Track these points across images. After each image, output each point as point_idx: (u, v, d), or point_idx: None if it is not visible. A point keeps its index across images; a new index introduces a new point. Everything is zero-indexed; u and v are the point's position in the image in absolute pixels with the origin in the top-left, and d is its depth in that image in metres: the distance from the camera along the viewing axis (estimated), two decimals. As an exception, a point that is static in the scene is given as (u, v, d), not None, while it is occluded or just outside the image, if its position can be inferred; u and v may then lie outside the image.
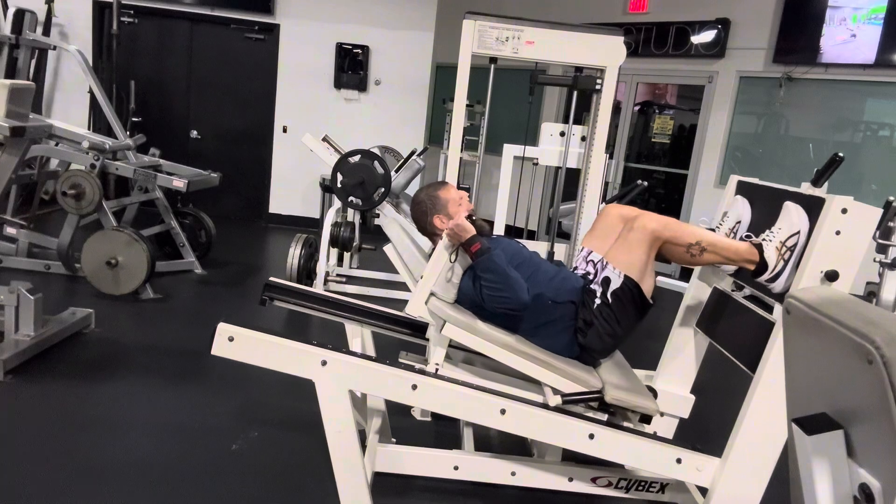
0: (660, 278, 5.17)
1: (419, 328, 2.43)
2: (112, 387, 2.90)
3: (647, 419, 2.06)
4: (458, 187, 3.14)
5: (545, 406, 1.95)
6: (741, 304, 2.11)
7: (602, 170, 3.26)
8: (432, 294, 2.08)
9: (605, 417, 2.02)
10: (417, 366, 2.00)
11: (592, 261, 2.21)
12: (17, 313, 3.00)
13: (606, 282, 2.07)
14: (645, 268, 2.05)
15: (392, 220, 2.70)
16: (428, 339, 2.36)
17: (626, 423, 2.04)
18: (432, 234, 2.36)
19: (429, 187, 2.40)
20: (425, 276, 2.08)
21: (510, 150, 3.50)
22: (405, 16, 6.71)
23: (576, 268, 2.28)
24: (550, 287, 2.13)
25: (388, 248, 2.52)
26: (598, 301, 2.08)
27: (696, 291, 2.37)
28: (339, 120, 6.73)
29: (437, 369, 2.01)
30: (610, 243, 2.17)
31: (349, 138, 5.46)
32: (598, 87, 3.17)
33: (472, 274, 2.07)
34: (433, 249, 2.22)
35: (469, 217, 2.10)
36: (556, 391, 2.02)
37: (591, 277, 2.16)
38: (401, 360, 2.04)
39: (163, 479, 2.26)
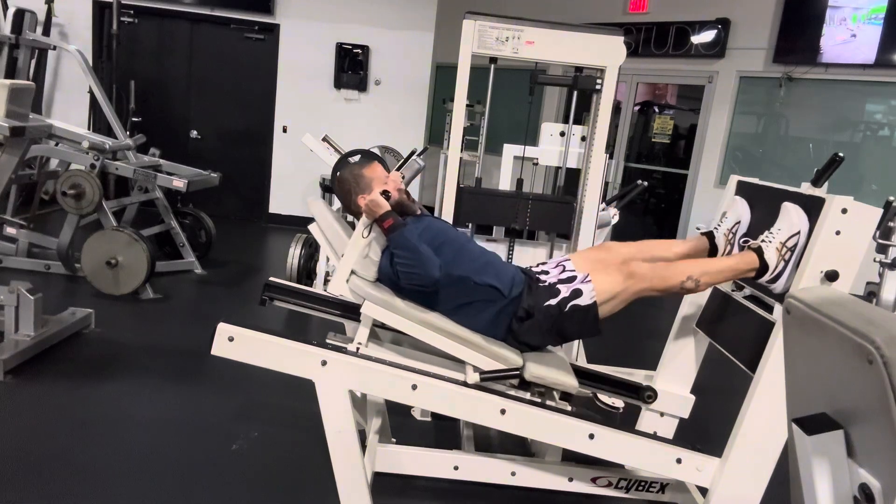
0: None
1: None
2: (112, 387, 2.90)
3: (567, 397, 2.04)
4: (459, 187, 3.15)
5: (464, 384, 1.92)
6: (741, 305, 2.11)
7: (602, 170, 3.26)
8: (353, 272, 2.04)
9: (527, 395, 1.98)
10: (337, 344, 1.96)
11: (564, 266, 2.16)
12: (17, 313, 3.00)
13: (577, 293, 2.03)
14: (614, 304, 2.03)
15: (315, 198, 2.66)
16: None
17: (549, 402, 2.00)
18: (357, 214, 2.28)
19: (353, 165, 2.34)
20: (346, 253, 2.04)
21: (510, 150, 3.51)
22: (405, 16, 6.71)
23: (544, 263, 2.24)
24: (472, 268, 2.09)
25: (311, 227, 2.47)
26: (553, 301, 2.04)
27: (696, 291, 2.37)
28: (339, 120, 6.73)
29: (357, 349, 1.98)
30: (593, 269, 2.12)
31: (349, 138, 5.46)
32: (598, 87, 3.17)
33: (389, 252, 2.05)
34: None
35: (385, 193, 2.06)
36: (476, 369, 1.99)
37: (553, 277, 2.12)
38: (328, 341, 2.01)
39: (163, 479, 2.26)
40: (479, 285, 2.07)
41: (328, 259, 4.37)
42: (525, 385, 1.99)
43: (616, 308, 2.04)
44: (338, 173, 2.33)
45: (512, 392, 1.98)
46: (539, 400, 1.99)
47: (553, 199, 3.34)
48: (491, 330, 2.08)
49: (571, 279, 2.10)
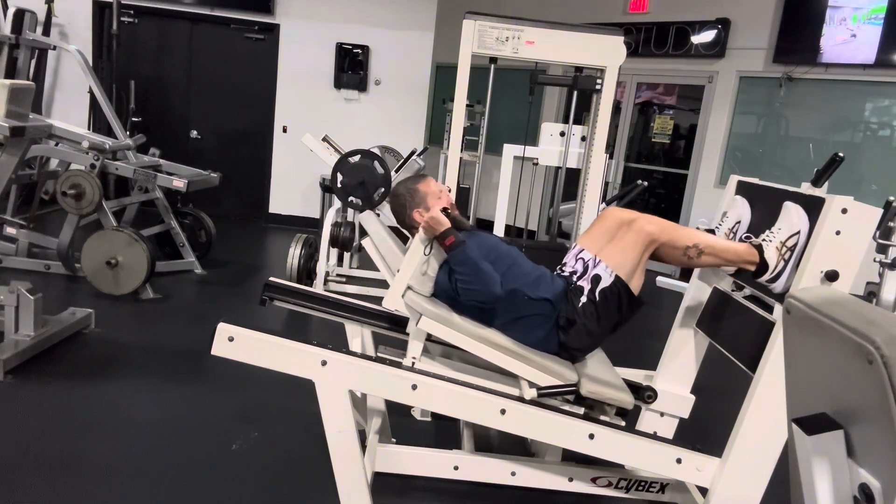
0: (660, 278, 5.20)
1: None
2: (112, 387, 2.90)
3: (623, 413, 2.05)
4: (459, 187, 3.15)
5: (521, 399, 1.94)
6: (741, 305, 2.11)
7: (602, 170, 3.26)
8: (409, 288, 2.07)
9: (581, 411, 2.01)
10: (393, 359, 1.99)
11: (583, 258, 2.18)
12: (17, 313, 3.00)
13: (596, 279, 2.07)
14: (636, 269, 2.05)
15: (370, 214, 2.69)
16: (406, 333, 2.36)
17: (602, 417, 2.02)
18: (411, 228, 2.34)
19: (408, 180, 2.38)
20: (402, 269, 2.07)
21: (510, 150, 3.51)
22: (405, 16, 6.71)
23: (565, 264, 2.27)
24: (526, 283, 2.11)
25: (366, 242, 2.50)
26: (583, 299, 2.07)
27: (696, 292, 2.37)
28: (339, 120, 6.73)
29: (413, 363, 2.00)
30: (604, 244, 2.16)
31: (349, 138, 5.45)
32: (598, 87, 3.18)
33: (447, 267, 2.07)
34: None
35: (445, 210, 2.08)
36: (532, 384, 2.00)
37: (577, 275, 2.14)
38: (378, 355, 2.03)
39: (163, 479, 2.26)
40: (533, 300, 2.09)
41: (327, 259, 4.37)
42: (580, 400, 2.01)
43: (641, 269, 2.06)
44: (392, 188, 2.36)
45: (566, 407, 2.00)
46: (593, 415, 2.02)
47: (546, 247, 3.36)
48: (544, 344, 2.10)
49: (586, 269, 2.13)
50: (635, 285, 2.07)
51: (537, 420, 1.92)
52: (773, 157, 6.40)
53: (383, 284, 4.90)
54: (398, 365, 1.92)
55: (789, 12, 5.93)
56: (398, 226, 2.46)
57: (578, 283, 2.11)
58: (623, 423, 2.02)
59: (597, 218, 2.38)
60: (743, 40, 6.28)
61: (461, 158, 3.29)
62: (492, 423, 1.91)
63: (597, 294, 2.06)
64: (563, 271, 2.23)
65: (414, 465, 2.26)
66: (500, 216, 3.72)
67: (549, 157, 3.41)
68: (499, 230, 3.66)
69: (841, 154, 1.92)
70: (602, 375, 2.08)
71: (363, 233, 5.16)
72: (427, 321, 2.00)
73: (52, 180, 4.69)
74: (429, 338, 2.12)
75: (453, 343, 2.05)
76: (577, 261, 2.21)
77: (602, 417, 2.02)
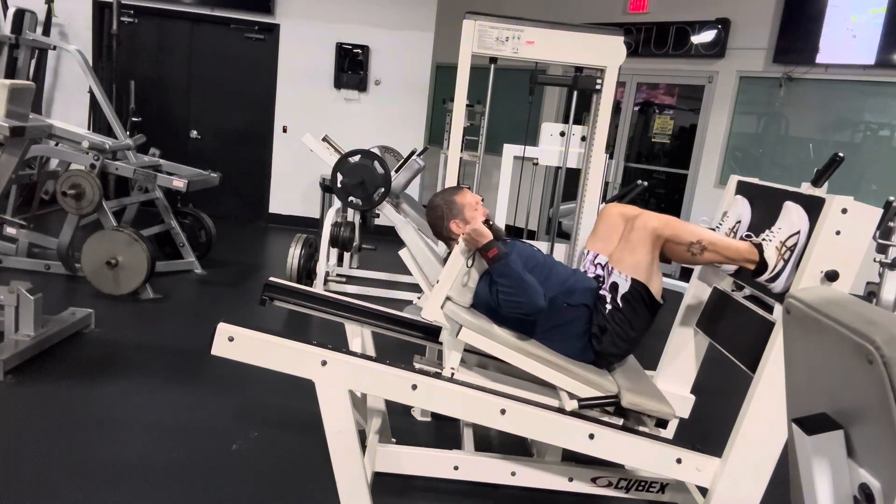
0: (660, 278, 5.17)
1: (419, 328, 2.43)
2: (112, 387, 2.90)
3: (663, 423, 2.06)
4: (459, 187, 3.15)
5: (561, 410, 1.96)
6: (741, 304, 2.11)
7: (602, 170, 3.26)
8: (448, 298, 2.08)
9: (620, 422, 2.02)
10: (433, 370, 2.00)
11: (600, 264, 2.21)
12: (17, 313, 3.00)
13: (615, 287, 2.08)
14: (651, 268, 2.05)
15: (406, 223, 2.71)
16: (439, 342, 2.38)
17: (642, 428, 2.04)
18: (448, 239, 2.36)
19: (445, 192, 2.40)
20: (442, 280, 2.08)
21: (510, 150, 3.51)
22: (405, 16, 6.71)
23: (584, 271, 2.28)
24: (564, 290, 2.13)
25: (403, 253, 2.52)
26: (609, 307, 2.09)
27: (696, 291, 2.37)
28: (339, 120, 6.73)
29: (452, 374, 2.02)
30: (613, 244, 2.17)
31: (349, 138, 5.45)
32: (598, 87, 3.17)
33: (488, 279, 2.07)
34: (448, 254, 2.22)
35: (485, 222, 2.10)
36: (572, 396, 2.02)
37: (601, 281, 2.16)
38: (415, 365, 2.04)
39: (163, 479, 2.26)
40: (572, 307, 2.11)
41: (327, 259, 4.37)
42: (620, 411, 2.02)
43: (656, 268, 2.07)
44: (429, 200, 2.39)
45: (605, 418, 2.02)
46: (633, 427, 2.03)
47: None
48: (582, 353, 2.12)
49: (599, 277, 2.16)
50: (655, 286, 2.08)
51: (537, 420, 1.92)
52: (773, 157, 6.40)
53: (383, 284, 4.93)
54: (438, 376, 1.92)
55: (789, 12, 5.93)
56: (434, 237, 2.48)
57: (601, 291, 2.13)
58: (663, 433, 2.03)
59: (598, 217, 2.38)
60: (743, 40, 6.28)
61: (461, 158, 3.29)
62: (492, 423, 1.91)
63: (619, 301, 2.07)
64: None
65: (414, 465, 2.26)
66: (501, 216, 3.71)
67: (549, 157, 3.41)
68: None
69: (841, 154, 1.92)
70: (640, 386, 2.09)
71: (363, 233, 5.17)
72: (467, 332, 2.01)
73: (52, 180, 4.70)
74: (465, 348, 2.14)
75: (493, 354, 2.06)
76: (595, 266, 2.22)
77: (642, 428, 2.03)
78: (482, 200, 2.36)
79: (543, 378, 2.07)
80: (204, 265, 4.90)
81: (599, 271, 2.20)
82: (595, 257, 2.26)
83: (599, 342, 2.11)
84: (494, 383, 2.08)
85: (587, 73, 3.22)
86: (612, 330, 2.09)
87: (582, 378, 2.05)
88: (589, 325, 2.11)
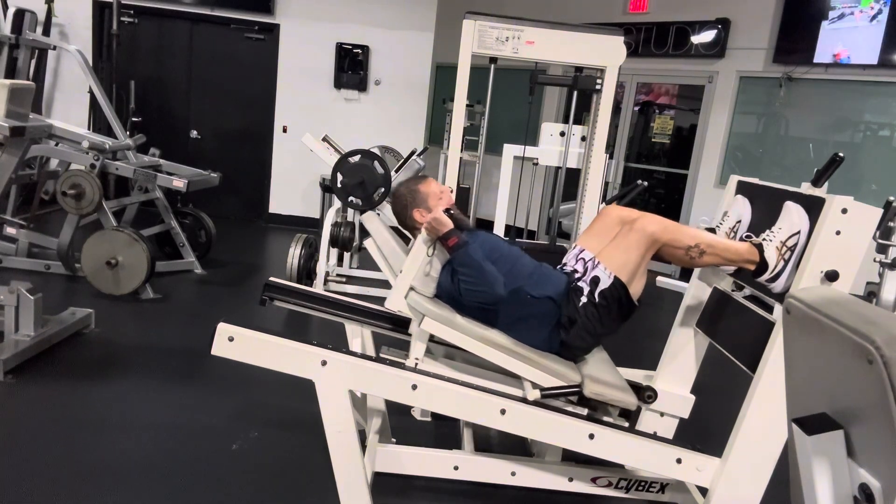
0: (660, 278, 5.20)
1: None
2: (112, 387, 2.90)
3: (626, 414, 2.05)
4: (459, 187, 3.15)
5: (524, 400, 1.94)
6: (741, 304, 2.11)
7: (602, 170, 3.26)
8: (412, 288, 2.07)
9: (584, 412, 2.00)
10: (395, 359, 1.99)
11: (583, 259, 2.18)
12: (17, 313, 3.00)
13: (595, 281, 2.07)
14: (636, 270, 2.04)
15: (371, 214, 2.71)
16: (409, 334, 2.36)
17: (605, 418, 2.02)
18: (412, 228, 2.34)
19: (409, 181, 2.39)
20: (404, 270, 2.07)
21: (510, 150, 3.51)
22: (405, 16, 6.71)
23: (565, 264, 2.27)
24: (529, 282, 2.11)
25: (368, 243, 2.51)
26: (584, 299, 2.07)
27: (696, 291, 2.37)
28: (339, 120, 6.73)
29: (416, 364, 2.00)
30: (604, 244, 2.16)
31: (349, 138, 5.46)
32: (598, 87, 3.18)
33: (450, 268, 2.07)
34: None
35: (447, 211, 2.08)
36: (535, 385, 2.01)
37: (578, 275, 2.14)
38: (381, 356, 2.03)
39: (163, 479, 2.26)
40: (536, 298, 2.09)
41: (327, 259, 4.37)
42: (584, 401, 2.01)
43: (642, 271, 2.06)
44: (393, 189, 2.37)
45: (569, 408, 2.00)
46: (596, 416, 2.02)
47: (546, 249, 3.36)
48: (547, 343, 2.10)
49: (586, 270, 2.12)
50: (636, 288, 2.07)
51: (537, 420, 1.92)
52: (773, 157, 6.40)
53: (383, 284, 4.92)
54: (401, 366, 1.92)
55: (789, 12, 5.93)
56: (399, 226, 2.46)
57: (578, 283, 2.11)
58: (626, 424, 2.02)
59: (597, 217, 2.37)
60: (743, 40, 6.28)
61: (461, 158, 3.29)
62: (492, 423, 1.91)
63: (596, 296, 2.06)
64: (563, 270, 2.23)
65: (414, 465, 2.26)
66: (500, 216, 3.72)
67: (549, 157, 3.41)
68: (499, 230, 3.66)
69: (841, 154, 1.91)
70: (605, 376, 2.08)
71: (363, 233, 5.16)
72: (430, 322, 2.00)
73: (52, 180, 4.69)
74: (432, 339, 2.12)
75: (456, 344, 2.05)
76: (577, 261, 2.20)
77: (605, 418, 2.02)
78: (451, 190, 2.34)
79: (507, 368, 2.05)
80: (204, 265, 4.90)
81: (580, 266, 2.17)
82: (581, 252, 2.23)
83: (568, 333, 2.09)
84: (458, 373, 2.06)
85: (587, 73, 3.22)
86: (582, 323, 2.07)
87: (545, 368, 2.03)
88: (554, 318, 2.09)
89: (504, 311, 2.08)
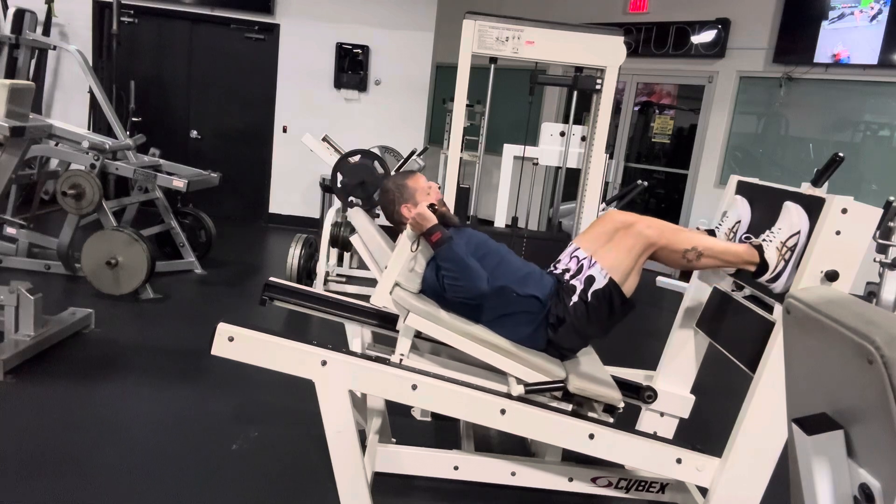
0: (660, 278, 5.21)
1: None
2: (112, 387, 2.90)
3: (611, 409, 2.05)
4: (459, 187, 3.15)
5: (508, 396, 1.94)
6: (741, 305, 2.11)
7: (602, 170, 3.26)
8: (397, 284, 2.06)
9: (569, 408, 2.00)
10: (378, 355, 1.98)
11: (577, 257, 2.17)
12: (17, 313, 3.00)
13: (590, 280, 2.06)
14: (630, 271, 2.04)
15: (357, 209, 2.70)
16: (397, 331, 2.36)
17: (590, 414, 2.02)
18: (399, 224, 2.33)
19: (397, 176, 2.38)
20: (390, 265, 2.07)
21: (510, 150, 3.51)
22: (405, 16, 6.71)
23: (559, 261, 2.26)
24: (514, 279, 2.11)
25: (354, 238, 2.50)
26: (575, 298, 2.06)
27: (696, 291, 2.37)
28: (339, 120, 6.73)
29: (401, 360, 2.00)
30: (600, 245, 2.15)
31: (349, 138, 5.46)
32: (598, 87, 3.18)
33: (434, 264, 2.07)
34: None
35: (432, 207, 2.08)
36: (519, 381, 2.00)
37: (570, 274, 2.14)
38: (366, 352, 2.03)
39: (163, 479, 2.26)
40: (521, 296, 2.09)
41: (327, 259, 4.38)
42: (568, 396, 2.01)
43: (636, 272, 2.06)
44: (381, 184, 2.37)
45: (554, 404, 2.00)
46: (580, 411, 2.01)
47: (547, 237, 3.35)
48: (531, 341, 2.10)
49: (580, 269, 2.12)
50: (628, 287, 2.06)
51: (537, 420, 1.91)
52: (773, 157, 6.40)
53: (383, 284, 4.92)
54: (385, 361, 1.91)
55: (789, 12, 5.94)
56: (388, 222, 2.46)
57: (571, 281, 2.11)
58: (612, 420, 2.01)
59: (596, 220, 2.37)
60: (743, 40, 6.28)
61: (461, 158, 3.29)
62: (492, 423, 1.91)
63: (589, 295, 2.05)
64: (555, 268, 2.22)
65: (414, 465, 2.26)
66: (500, 216, 3.72)
67: (549, 157, 3.41)
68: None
69: (841, 154, 1.92)
70: (590, 372, 2.07)
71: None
72: (414, 318, 1.99)
73: (52, 180, 4.69)
74: (419, 335, 2.12)
75: (440, 339, 2.04)
76: (571, 258, 2.20)
77: (591, 414, 2.01)
78: (439, 187, 2.34)
79: (492, 363, 2.04)
80: (204, 265, 4.90)
81: (573, 265, 2.16)
82: (575, 250, 2.22)
83: (555, 332, 2.08)
84: (443, 369, 2.05)
85: (587, 73, 3.22)
86: (570, 322, 2.06)
87: (530, 364, 2.02)
88: (540, 316, 2.08)
89: (489, 308, 2.07)
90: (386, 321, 2.43)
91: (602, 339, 2.20)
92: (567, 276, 2.14)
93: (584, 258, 2.13)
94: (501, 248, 2.26)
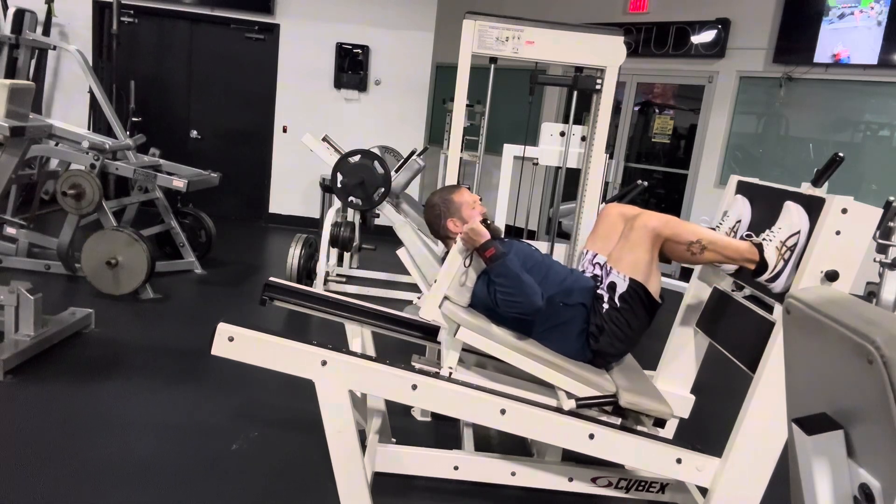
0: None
1: (419, 328, 2.43)
2: (112, 387, 2.90)
3: (661, 423, 2.06)
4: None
5: (559, 410, 1.96)
6: (741, 304, 2.11)
7: (602, 170, 3.26)
8: (446, 298, 2.08)
9: (618, 421, 2.02)
10: (432, 370, 2.00)
11: (598, 263, 2.21)
12: (17, 313, 3.00)
13: (612, 286, 2.08)
14: (649, 267, 2.05)
15: (405, 223, 2.71)
16: (438, 342, 2.37)
17: (640, 427, 2.04)
18: (445, 238, 2.36)
19: (442, 191, 2.40)
20: (439, 279, 2.08)
21: (510, 150, 3.51)
22: (405, 16, 6.71)
23: (583, 271, 2.28)
24: (562, 289, 2.13)
25: (400, 252, 2.52)
26: (606, 306, 2.09)
27: (696, 291, 2.37)
28: (339, 120, 6.73)
29: (450, 373, 2.02)
30: (613, 244, 2.17)
31: (349, 138, 5.46)
32: (598, 87, 3.17)
33: (486, 278, 2.07)
34: (446, 253, 2.22)
35: (483, 221, 2.09)
36: (570, 395, 2.02)
37: (598, 281, 2.16)
38: (414, 365, 2.04)
39: (163, 479, 2.26)
40: (568, 306, 2.11)
41: (327, 259, 4.37)
42: (619, 411, 2.02)
43: (655, 267, 2.08)
44: (427, 199, 2.39)
45: (603, 418, 2.01)
46: (631, 426, 2.03)
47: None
48: (580, 353, 2.12)
49: (597, 277, 2.15)
50: (654, 286, 2.08)
51: (537, 420, 1.91)
52: (773, 157, 6.40)
53: (383, 284, 4.92)
54: (436, 376, 1.92)
55: (789, 12, 5.93)
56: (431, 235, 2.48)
57: (598, 291, 2.13)
58: (661, 433, 2.03)
59: (598, 217, 2.38)
60: (743, 40, 6.28)
61: (461, 158, 3.29)
62: (492, 423, 1.91)
63: (616, 300, 2.07)
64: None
65: (414, 465, 2.26)
66: (500, 216, 3.71)
67: (549, 157, 3.40)
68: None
69: (841, 154, 1.92)
70: (639, 385, 2.09)
71: (363, 233, 5.17)
72: (466, 332, 2.01)
73: (52, 180, 4.69)
74: (463, 348, 2.13)
75: (492, 354, 2.06)
76: (593, 266, 2.22)
77: (639, 428, 2.03)
78: (480, 199, 2.36)
79: (541, 377, 2.07)
80: (204, 265, 4.90)
81: (598, 271, 2.20)
82: (594, 257, 2.26)
83: (597, 341, 2.10)
84: (493, 383, 2.08)
85: (587, 73, 3.22)
86: (610, 330, 2.09)
87: (580, 377, 2.04)
88: (586, 325, 2.11)
89: (539, 321, 2.09)
90: (387, 321, 2.43)
91: (636, 342, 2.21)
92: (597, 284, 2.16)
93: (604, 264, 2.16)
94: (546, 259, 2.28)
